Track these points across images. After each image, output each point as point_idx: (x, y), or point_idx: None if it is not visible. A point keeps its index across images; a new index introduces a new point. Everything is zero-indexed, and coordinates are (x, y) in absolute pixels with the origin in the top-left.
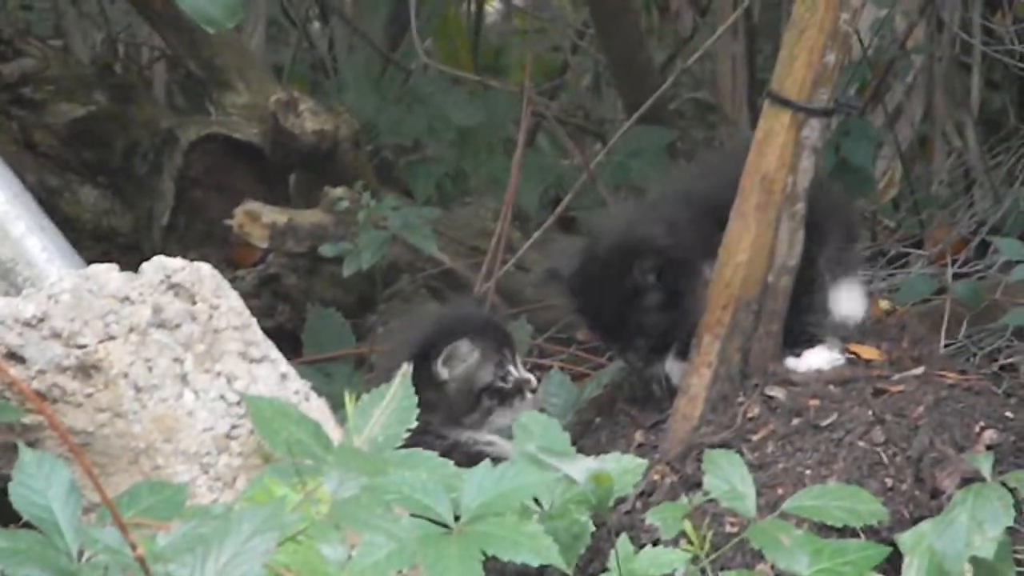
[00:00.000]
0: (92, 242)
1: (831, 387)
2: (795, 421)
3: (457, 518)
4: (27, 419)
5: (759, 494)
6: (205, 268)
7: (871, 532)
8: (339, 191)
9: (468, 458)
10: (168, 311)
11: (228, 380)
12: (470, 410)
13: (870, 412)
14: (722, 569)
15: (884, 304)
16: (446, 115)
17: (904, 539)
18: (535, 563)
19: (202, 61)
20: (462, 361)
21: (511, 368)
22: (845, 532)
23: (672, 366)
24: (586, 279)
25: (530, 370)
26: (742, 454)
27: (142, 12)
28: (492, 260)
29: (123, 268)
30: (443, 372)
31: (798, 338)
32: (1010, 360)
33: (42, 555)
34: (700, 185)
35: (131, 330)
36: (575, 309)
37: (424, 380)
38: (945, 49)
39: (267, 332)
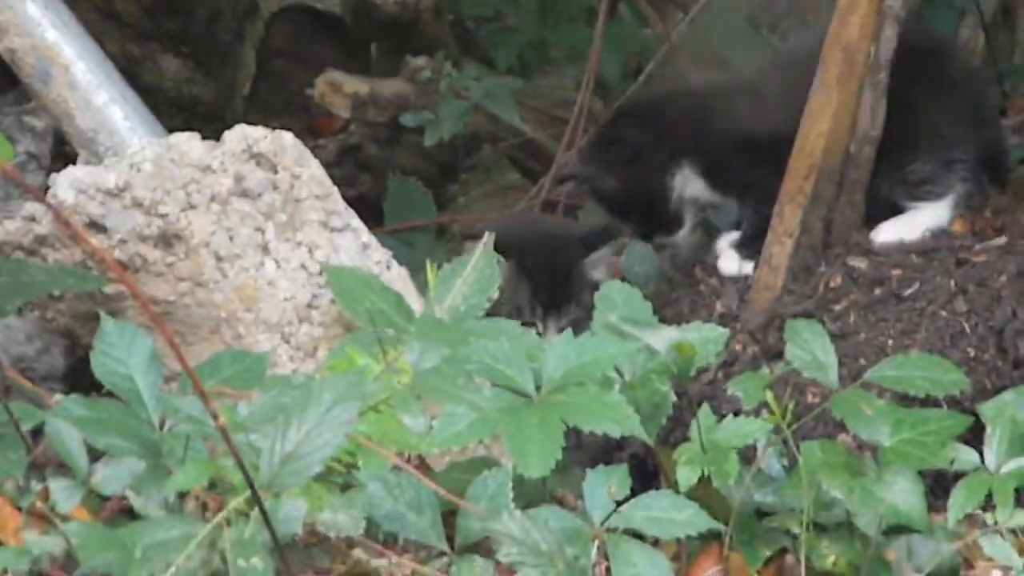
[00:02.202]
0: (174, 111)
1: (913, 257)
2: (877, 291)
3: (538, 388)
4: (109, 288)
5: (841, 364)
6: (287, 137)
7: (953, 402)
8: (420, 61)
9: None
10: (250, 180)
11: (309, 249)
12: None
13: (952, 282)
14: (803, 439)
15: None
16: None
17: (986, 409)
18: (616, 433)
19: None
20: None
21: (539, 325)
22: (927, 402)
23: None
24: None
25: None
26: (824, 324)
27: None
28: (574, 130)
29: (205, 137)
30: None
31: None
32: None
33: (124, 424)
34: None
35: (212, 199)
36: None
37: None
38: None
39: (348, 201)
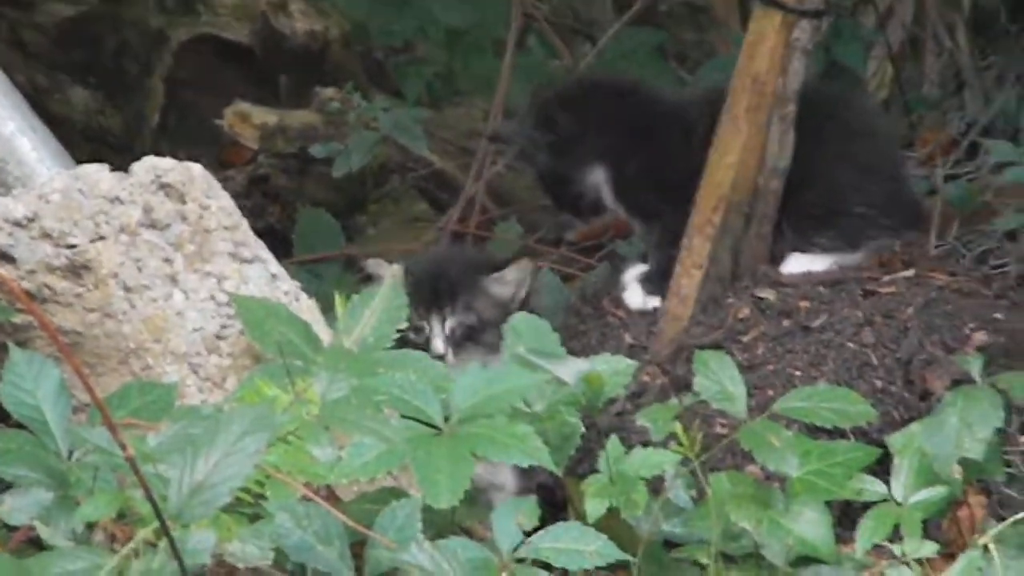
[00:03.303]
0: (83, 142)
1: (821, 288)
2: (785, 322)
3: (447, 419)
4: (17, 319)
5: (749, 395)
6: (196, 168)
7: (860, 433)
8: (329, 91)
9: None
10: (158, 211)
11: (218, 280)
12: None
13: (860, 313)
14: (712, 470)
15: None
16: (436, 16)
17: (894, 440)
18: (525, 464)
19: None
20: None
21: (421, 324)
22: (835, 433)
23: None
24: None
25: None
26: (732, 355)
27: None
28: (482, 161)
29: (114, 169)
30: None
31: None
32: (1000, 262)
33: (32, 454)
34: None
35: (121, 230)
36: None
37: None
38: None
39: (257, 232)
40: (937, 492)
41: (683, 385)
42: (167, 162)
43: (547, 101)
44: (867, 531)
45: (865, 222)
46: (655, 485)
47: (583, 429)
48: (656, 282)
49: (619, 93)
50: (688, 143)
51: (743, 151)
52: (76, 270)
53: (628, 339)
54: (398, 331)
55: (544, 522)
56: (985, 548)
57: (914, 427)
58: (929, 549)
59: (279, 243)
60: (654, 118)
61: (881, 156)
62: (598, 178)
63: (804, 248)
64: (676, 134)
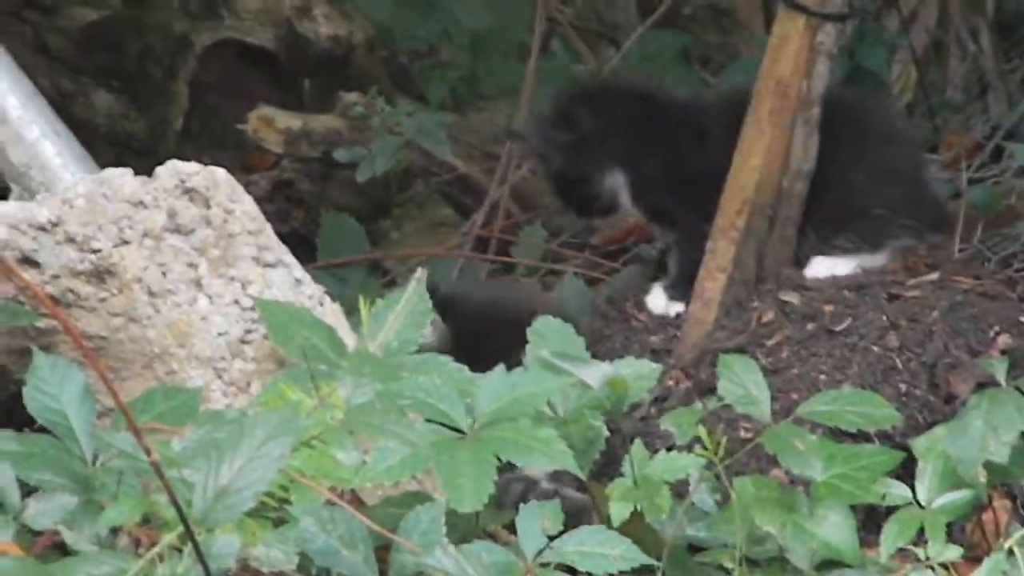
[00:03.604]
0: (106, 146)
1: (845, 292)
2: (809, 326)
3: (471, 424)
4: (41, 323)
5: (773, 399)
6: (220, 172)
7: (885, 437)
8: (353, 96)
9: None
10: (182, 216)
11: (242, 285)
12: None
13: (884, 317)
14: (736, 474)
15: None
16: (460, 20)
17: (918, 444)
18: (549, 468)
19: None
20: None
21: None
22: (859, 437)
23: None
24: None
25: (545, 275)
26: (756, 359)
27: None
28: (506, 165)
29: (137, 173)
30: None
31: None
32: None
33: (56, 459)
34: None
35: (145, 235)
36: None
37: None
38: None
39: (281, 237)
40: (961, 496)
41: (707, 389)
42: (191, 166)
43: (567, 100)
44: (891, 535)
45: (885, 223)
46: (679, 489)
47: (607, 433)
48: (679, 287)
49: (638, 94)
50: (704, 146)
51: (767, 154)
52: (100, 275)
53: (652, 343)
54: (421, 335)
55: (568, 527)
56: (1010, 552)
57: (938, 430)
58: (953, 553)
59: (303, 248)
60: (671, 120)
61: (901, 159)
62: (616, 180)
63: (826, 251)
64: (693, 137)
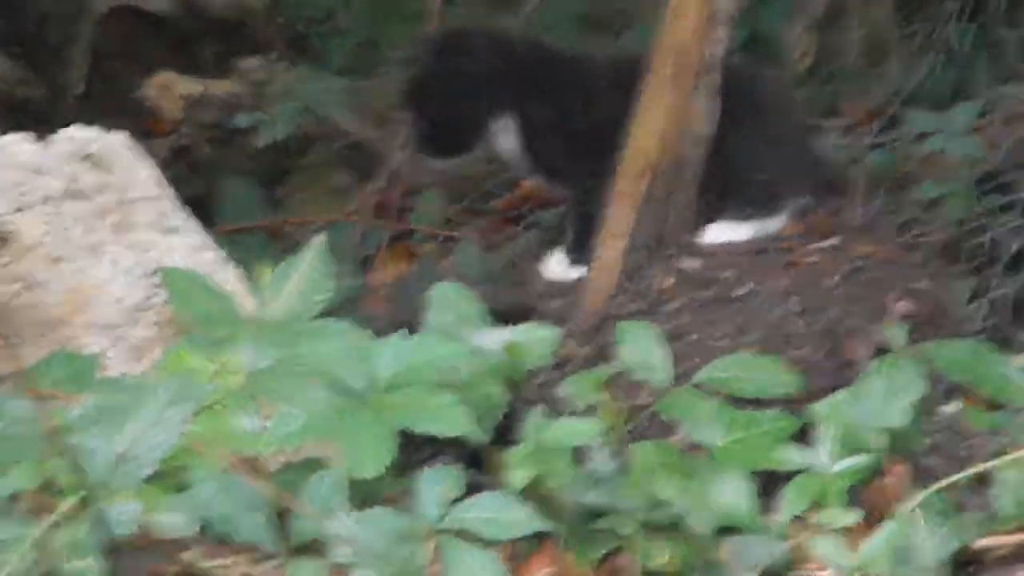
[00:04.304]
0: (4, 113)
1: (744, 258)
2: (708, 292)
3: (372, 389)
4: None
5: (673, 365)
6: (119, 138)
7: (784, 403)
8: (252, 61)
9: None
10: (82, 181)
11: (143, 251)
12: None
13: (784, 282)
14: (635, 440)
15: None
16: None
17: (817, 410)
18: (449, 434)
19: None
20: None
21: None
22: (759, 403)
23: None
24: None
25: (443, 241)
26: (656, 325)
27: None
28: (405, 131)
29: (36, 138)
30: None
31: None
32: (924, 231)
33: None
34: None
35: (44, 200)
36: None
37: None
38: None
39: (181, 202)
40: (860, 461)
41: (607, 355)
42: (90, 132)
43: (463, 36)
44: (790, 500)
45: (775, 184)
46: (580, 455)
47: (507, 398)
48: (578, 250)
49: (533, 41)
50: (596, 102)
51: (667, 119)
52: None
53: (552, 308)
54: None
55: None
56: (908, 516)
57: (837, 396)
58: (852, 517)
59: (203, 213)
60: (564, 72)
61: (788, 126)
62: (506, 123)
63: (722, 217)
64: (584, 91)
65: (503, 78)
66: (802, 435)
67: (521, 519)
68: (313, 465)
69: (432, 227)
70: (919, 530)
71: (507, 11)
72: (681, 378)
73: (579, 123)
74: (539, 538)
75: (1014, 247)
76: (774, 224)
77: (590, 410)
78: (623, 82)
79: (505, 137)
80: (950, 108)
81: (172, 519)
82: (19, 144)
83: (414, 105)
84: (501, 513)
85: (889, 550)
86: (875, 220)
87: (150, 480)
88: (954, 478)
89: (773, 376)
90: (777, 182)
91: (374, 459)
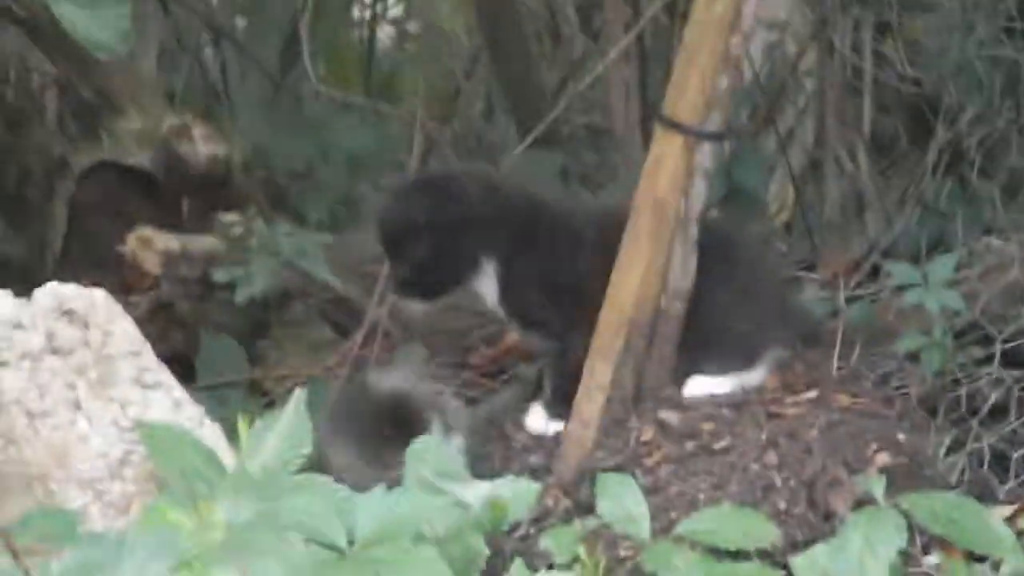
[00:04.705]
0: None
1: (724, 410)
2: (688, 445)
3: (351, 544)
4: None
5: (653, 518)
6: (99, 294)
7: (764, 555)
8: (232, 216)
9: None
10: (61, 337)
11: (122, 406)
12: None
13: (763, 435)
14: None
15: None
16: (338, 141)
17: (797, 562)
18: None
19: (94, 87)
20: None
21: None
22: (739, 555)
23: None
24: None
25: None
26: (636, 478)
27: (32, 38)
28: (384, 286)
29: (16, 295)
30: None
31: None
32: (902, 384)
33: None
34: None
35: (24, 356)
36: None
37: None
38: (836, 73)
39: (161, 358)
40: None
41: (586, 508)
42: (70, 288)
43: (450, 180)
44: None
45: (753, 336)
46: None
47: (488, 553)
48: (557, 404)
49: (520, 189)
50: (579, 254)
51: (645, 273)
52: None
53: (532, 462)
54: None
55: None
56: None
57: (817, 548)
58: None
59: (183, 368)
60: (549, 222)
61: (764, 281)
62: (486, 271)
63: (702, 370)
64: (569, 243)
65: (490, 223)
66: None
67: None
68: None
69: None
70: None
71: (486, 163)
72: (661, 531)
73: (561, 274)
74: None
75: (992, 399)
76: (753, 377)
77: (571, 564)
78: (606, 235)
79: (486, 282)
80: (928, 261)
81: None
82: (0, 300)
83: (397, 246)
84: None
85: None
86: (854, 373)
87: None
88: None
89: (753, 528)
90: (755, 334)
91: None
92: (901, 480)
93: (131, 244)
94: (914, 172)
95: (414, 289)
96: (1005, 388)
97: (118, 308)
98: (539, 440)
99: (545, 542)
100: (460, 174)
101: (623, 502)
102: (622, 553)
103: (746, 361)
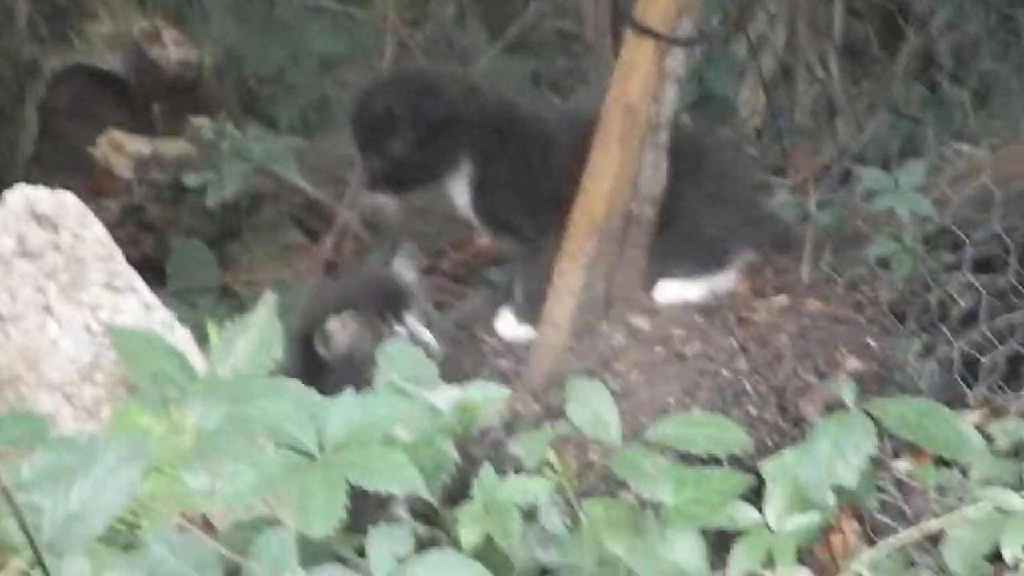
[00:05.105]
0: None
1: (695, 316)
2: (659, 350)
3: (322, 447)
4: None
5: (623, 423)
6: (69, 198)
7: (735, 461)
8: (203, 120)
9: None
10: (32, 241)
11: (92, 310)
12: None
13: (734, 341)
14: (586, 497)
15: None
16: (309, 45)
17: (767, 467)
18: (399, 492)
19: None
20: (337, 337)
21: (400, 330)
22: (709, 461)
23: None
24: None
25: None
26: (606, 383)
27: None
28: (355, 189)
29: None
30: (323, 352)
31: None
32: (872, 289)
33: None
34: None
35: None
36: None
37: (314, 364)
38: None
39: (131, 262)
40: (810, 519)
41: (557, 413)
42: (40, 192)
43: (429, 80)
44: (740, 558)
45: (722, 240)
46: (530, 513)
47: (457, 457)
48: (527, 309)
49: (497, 94)
50: (550, 158)
51: (616, 178)
52: None
53: (502, 367)
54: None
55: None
56: (858, 573)
57: (787, 454)
58: (802, 575)
59: (154, 273)
60: (523, 126)
61: (734, 185)
62: (460, 173)
63: (672, 273)
64: (540, 146)
65: (469, 123)
66: (756, 493)
67: None
68: (263, 524)
69: None
70: None
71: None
72: (631, 436)
73: (533, 178)
74: None
75: (962, 304)
76: (723, 281)
77: (540, 468)
78: (577, 139)
79: (459, 182)
80: (899, 166)
81: None
82: None
83: (373, 139)
84: (451, 571)
85: None
86: (824, 278)
87: (100, 539)
88: (904, 536)
89: (723, 434)
90: (725, 238)
91: (324, 517)
92: (871, 385)
93: (102, 147)
94: (885, 77)
95: (387, 184)
96: (975, 294)
97: (89, 212)
98: (509, 345)
99: (515, 446)
100: (442, 73)
101: (593, 406)
102: (592, 458)
103: (716, 264)
